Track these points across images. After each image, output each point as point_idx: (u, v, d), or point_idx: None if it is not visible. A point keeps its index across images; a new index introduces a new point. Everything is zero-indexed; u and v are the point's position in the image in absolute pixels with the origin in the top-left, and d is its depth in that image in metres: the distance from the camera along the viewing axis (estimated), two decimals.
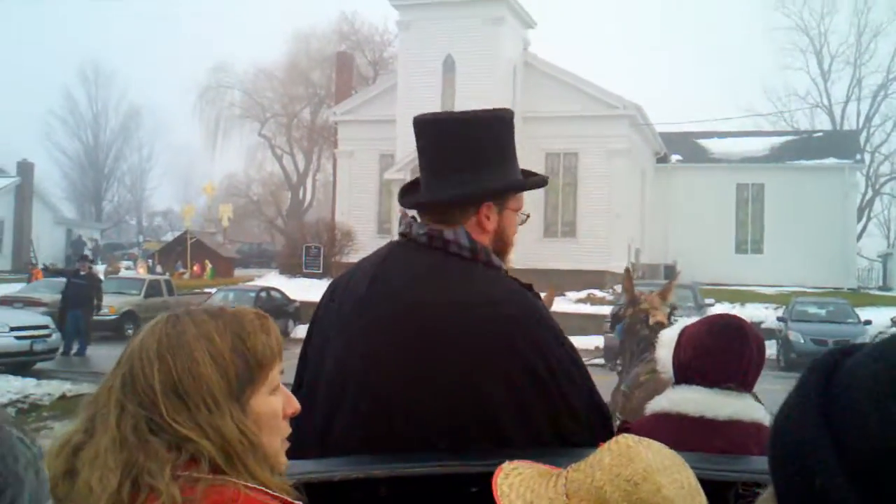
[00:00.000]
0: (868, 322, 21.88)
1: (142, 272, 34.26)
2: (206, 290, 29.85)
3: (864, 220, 51.03)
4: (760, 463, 1.53)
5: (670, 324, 4.16)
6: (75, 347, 19.05)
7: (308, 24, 72.73)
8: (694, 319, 2.73)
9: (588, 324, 22.54)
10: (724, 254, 37.05)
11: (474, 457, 1.89)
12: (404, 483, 1.84)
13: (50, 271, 26.23)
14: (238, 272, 39.47)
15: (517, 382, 2.02)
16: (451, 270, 2.14)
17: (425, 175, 2.25)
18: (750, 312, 26.04)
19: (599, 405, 2.19)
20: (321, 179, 61.73)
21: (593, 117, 32.08)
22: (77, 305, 19.07)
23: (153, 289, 26.24)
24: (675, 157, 39.61)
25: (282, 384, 1.51)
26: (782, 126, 54.05)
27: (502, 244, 2.25)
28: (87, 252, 48.35)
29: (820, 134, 45.63)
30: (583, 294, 28.18)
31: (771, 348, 24.16)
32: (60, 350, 17.64)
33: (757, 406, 2.43)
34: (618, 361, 6.03)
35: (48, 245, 45.87)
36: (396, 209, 30.96)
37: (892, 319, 23.91)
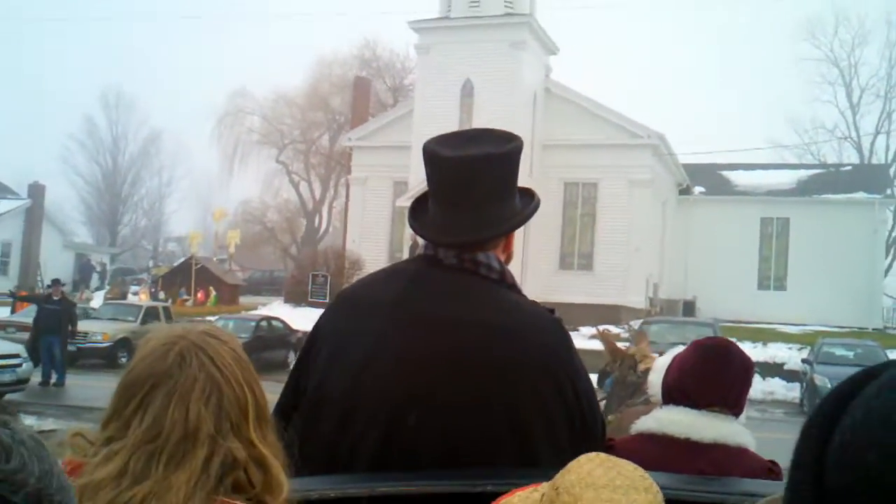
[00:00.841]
0: None
1: (143, 298, 33.33)
2: (207, 317, 28.79)
3: (890, 257, 49.56)
4: (742, 485, 1.96)
5: None
6: (54, 377, 17.97)
7: (330, 49, 72.49)
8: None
9: (600, 362, 21.28)
10: (745, 290, 35.66)
11: (461, 477, 1.93)
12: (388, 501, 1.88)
13: (18, 297, 25.23)
14: (244, 300, 38.54)
15: (549, 405, 2.10)
16: (483, 292, 2.20)
17: (451, 209, 2.24)
18: (772, 353, 24.80)
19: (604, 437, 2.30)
20: (338, 207, 60.96)
21: (615, 146, 31.17)
22: (50, 332, 17.91)
23: (150, 315, 25.26)
24: (697, 189, 38.50)
25: None
26: (808, 159, 53.00)
27: (508, 260, 2.33)
28: (95, 273, 48.09)
29: (849, 167, 44.47)
30: (596, 330, 26.94)
31: (794, 391, 23.04)
32: (38, 380, 16.67)
33: (742, 431, 2.43)
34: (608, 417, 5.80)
35: (56, 268, 45.00)
36: (408, 236, 30.66)
37: None
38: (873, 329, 32.50)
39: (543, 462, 2.00)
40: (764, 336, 27.10)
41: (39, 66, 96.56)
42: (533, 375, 2.10)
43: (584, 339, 24.93)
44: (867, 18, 62.49)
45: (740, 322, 30.54)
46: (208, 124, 60.59)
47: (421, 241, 2.34)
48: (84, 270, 46.68)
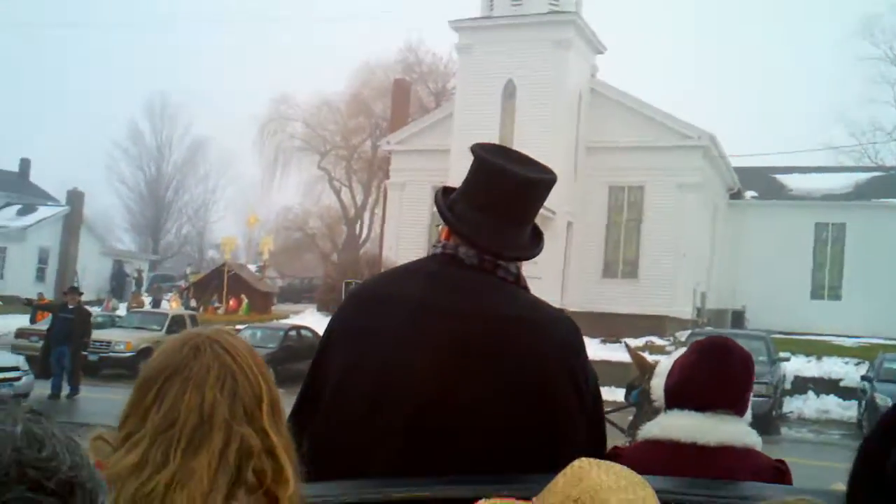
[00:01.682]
0: None
1: (174, 306, 32.65)
2: (235, 326, 27.91)
3: None
4: (751, 489, 1.98)
5: None
6: (66, 389, 17.07)
7: (373, 54, 72.00)
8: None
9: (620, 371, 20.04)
10: (798, 299, 33.88)
11: (457, 482, 1.95)
12: None
13: (36, 306, 24.55)
14: (279, 308, 37.75)
15: (569, 395, 2.21)
16: (502, 289, 2.30)
17: (510, 223, 2.34)
18: (828, 368, 23.33)
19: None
20: (379, 213, 60.22)
21: (663, 148, 29.86)
22: (63, 342, 16.98)
23: (176, 324, 24.52)
24: (749, 194, 36.94)
25: None
26: (866, 162, 51.16)
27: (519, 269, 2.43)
28: (131, 280, 47.78)
29: None
30: (641, 341, 25.63)
31: (850, 409, 21.47)
32: (48, 393, 15.85)
33: (749, 430, 2.40)
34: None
35: (94, 275, 45.04)
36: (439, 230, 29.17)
37: None
38: None
39: (562, 450, 2.02)
40: (818, 349, 25.51)
41: (85, 74, 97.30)
42: (554, 366, 2.21)
43: (626, 352, 23.72)
44: None
45: (792, 333, 29.00)
46: (252, 131, 60.16)
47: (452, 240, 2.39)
48: (118, 278, 46.33)
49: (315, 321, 27.88)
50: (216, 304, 35.13)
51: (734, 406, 2.40)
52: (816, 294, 35.15)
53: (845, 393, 21.99)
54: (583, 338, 2.34)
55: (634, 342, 25.36)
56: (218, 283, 35.63)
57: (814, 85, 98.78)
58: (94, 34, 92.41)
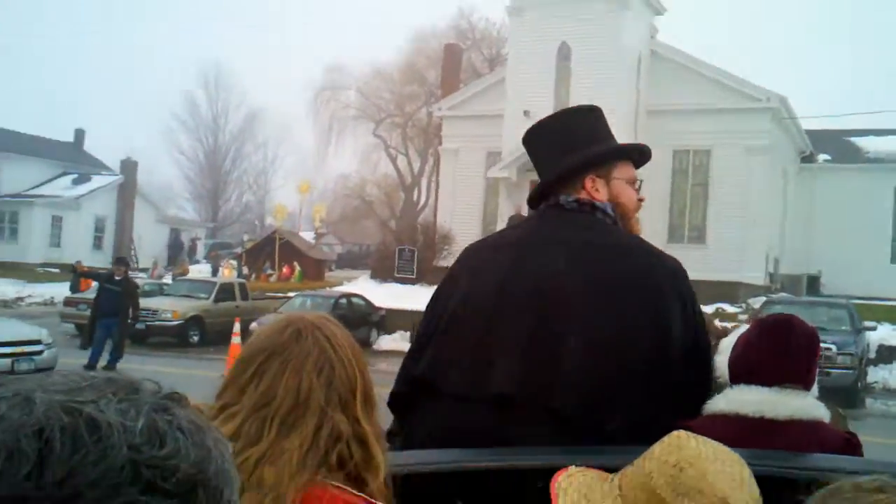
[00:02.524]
0: None
1: (226, 274, 32.10)
2: (286, 293, 27.19)
3: None
4: (821, 461, 2.03)
5: None
6: (105, 360, 16.45)
7: (426, 21, 71.06)
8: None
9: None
10: (877, 264, 32.15)
11: (541, 454, 2.01)
12: (470, 477, 2.01)
13: (80, 274, 23.94)
14: (334, 274, 37.11)
15: (677, 317, 2.33)
16: (605, 225, 2.47)
17: (540, 175, 2.61)
18: None
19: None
20: (436, 180, 59.78)
21: (730, 110, 28.37)
22: (109, 314, 16.22)
23: (225, 292, 23.94)
24: (822, 157, 35.20)
25: None
26: None
27: (621, 214, 2.53)
28: (188, 247, 47.73)
29: None
30: (710, 309, 24.38)
31: None
32: (84, 363, 15.27)
33: (817, 404, 2.36)
34: None
35: (150, 243, 45.13)
36: (503, 209, 28.81)
37: None
38: None
39: (673, 369, 2.28)
40: None
41: (144, 46, 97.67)
42: (664, 287, 2.35)
43: None
44: None
45: (871, 299, 27.49)
46: (307, 101, 59.77)
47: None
48: (174, 246, 46.37)
49: (368, 288, 27.09)
50: (269, 272, 34.62)
51: (800, 381, 2.38)
52: None
53: None
54: (683, 268, 2.44)
55: (705, 309, 24.07)
56: (270, 250, 35.02)
57: (890, 43, 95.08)
58: (149, 4, 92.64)
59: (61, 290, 29.10)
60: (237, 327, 17.59)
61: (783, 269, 31.84)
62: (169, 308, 21.97)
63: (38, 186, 45.05)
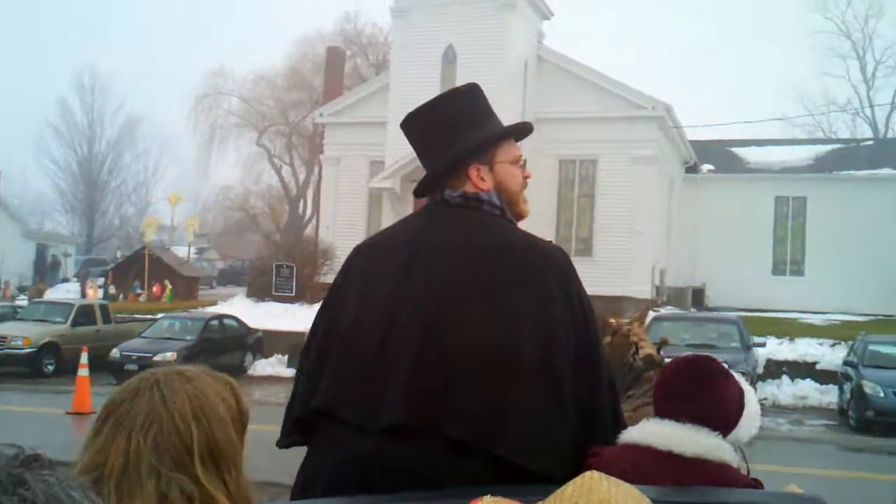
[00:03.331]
0: None
1: (91, 294, 29.89)
2: (155, 315, 25.17)
3: None
4: (725, 496, 2.07)
5: (661, 360, 3.88)
6: None
7: (311, 27, 69.62)
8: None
9: None
10: (759, 276, 32.41)
11: (449, 495, 1.94)
12: None
13: None
14: (212, 292, 35.21)
15: (564, 314, 2.29)
16: (490, 222, 2.41)
17: (423, 165, 2.55)
18: (802, 350, 21.61)
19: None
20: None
21: (616, 119, 28.09)
22: None
23: (84, 315, 22.01)
24: (706, 167, 35.29)
25: None
26: (819, 135, 50.45)
27: (508, 199, 2.48)
28: (50, 263, 44.98)
29: (870, 142, 41.22)
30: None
31: (830, 394, 19.46)
32: None
33: (726, 446, 2.34)
34: None
35: (15, 260, 42.19)
36: (387, 221, 27.71)
37: None
38: None
39: (560, 371, 2.24)
40: (790, 330, 23.79)
41: (14, 48, 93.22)
42: (550, 286, 2.30)
43: None
44: None
45: (754, 310, 27.44)
46: (187, 109, 57.44)
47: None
48: (40, 262, 43.74)
49: (244, 308, 25.59)
50: (138, 291, 32.46)
51: (713, 422, 2.31)
52: (778, 270, 33.77)
53: (823, 377, 20.24)
54: (570, 260, 2.43)
55: None
56: (139, 267, 32.93)
57: (767, 59, 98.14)
58: (22, 5, 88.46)
59: None
60: (84, 357, 15.63)
61: (668, 281, 31.63)
62: (20, 334, 20.10)
63: None
